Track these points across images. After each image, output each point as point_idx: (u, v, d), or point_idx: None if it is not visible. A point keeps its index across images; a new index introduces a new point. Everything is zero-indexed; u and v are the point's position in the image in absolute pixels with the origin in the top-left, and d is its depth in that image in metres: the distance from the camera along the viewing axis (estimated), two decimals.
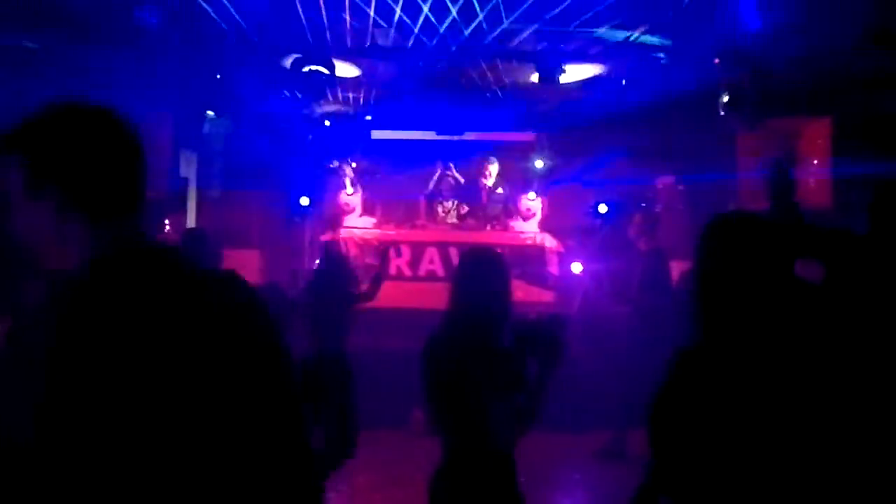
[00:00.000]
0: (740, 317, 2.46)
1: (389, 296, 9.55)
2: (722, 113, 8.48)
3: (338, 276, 6.68)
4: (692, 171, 10.19)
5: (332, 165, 11.72)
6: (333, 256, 7.03)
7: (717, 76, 8.22)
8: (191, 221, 10.79)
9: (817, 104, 9.04)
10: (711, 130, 9.63)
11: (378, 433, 7.39)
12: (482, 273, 3.53)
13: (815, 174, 8.34)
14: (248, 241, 10.42)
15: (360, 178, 11.10)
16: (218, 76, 8.34)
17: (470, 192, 10.98)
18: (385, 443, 7.24)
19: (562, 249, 10.06)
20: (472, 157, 11.29)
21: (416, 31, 7.19)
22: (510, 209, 10.79)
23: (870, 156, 7.83)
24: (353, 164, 11.69)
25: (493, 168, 10.88)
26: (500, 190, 10.89)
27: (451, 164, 11.21)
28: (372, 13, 6.70)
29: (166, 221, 9.56)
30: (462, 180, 11.17)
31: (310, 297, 6.47)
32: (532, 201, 10.53)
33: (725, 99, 7.97)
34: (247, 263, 10.13)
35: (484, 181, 10.89)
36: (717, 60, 7.64)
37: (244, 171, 11.00)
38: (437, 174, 11.18)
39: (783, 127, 8.81)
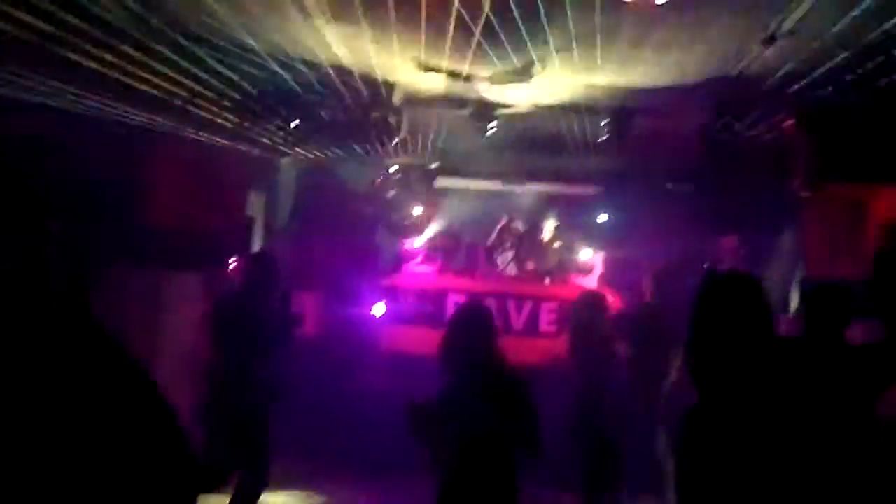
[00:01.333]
0: (730, 371, 2.64)
1: None
2: (789, 175, 8.39)
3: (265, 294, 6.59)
4: (757, 233, 10.04)
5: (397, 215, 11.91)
6: (264, 269, 6.75)
7: (787, 138, 8.15)
8: None
9: (888, 172, 8.87)
10: (779, 192, 9.51)
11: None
12: (467, 326, 4.16)
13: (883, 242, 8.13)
14: (310, 283, 10.55)
15: (424, 228, 11.21)
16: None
17: (529, 245, 11.01)
18: None
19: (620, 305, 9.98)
20: (534, 208, 11.36)
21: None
22: (568, 263, 10.77)
23: None
24: (418, 212, 11.83)
25: (550, 223, 10.94)
26: (556, 244, 10.91)
27: (515, 216, 11.26)
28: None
29: (232, 259, 9.74)
30: (523, 231, 11.20)
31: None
32: (592, 256, 10.51)
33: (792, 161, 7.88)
34: (307, 305, 10.25)
35: (541, 236, 10.95)
36: (790, 121, 7.57)
37: (312, 213, 11.21)
38: (499, 225, 11.24)
39: (851, 193, 8.64)
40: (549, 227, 10.98)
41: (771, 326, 2.74)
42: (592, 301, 7.00)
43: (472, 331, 4.07)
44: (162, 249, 7.61)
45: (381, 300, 10.14)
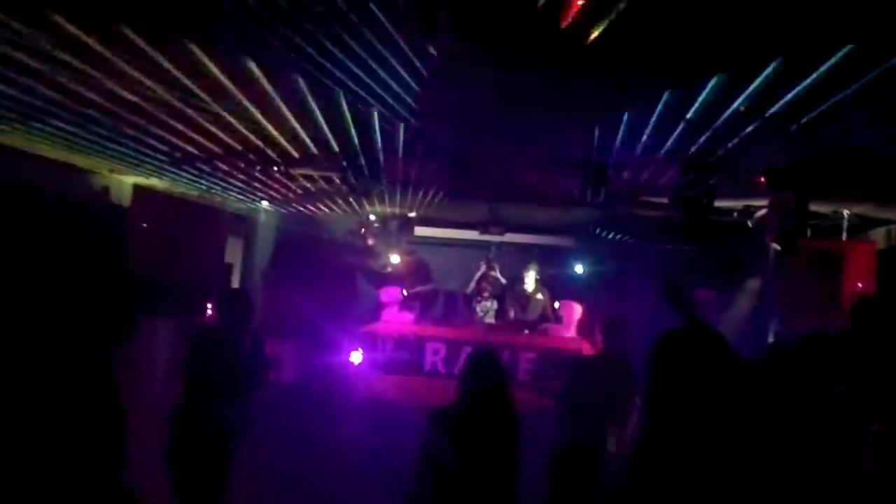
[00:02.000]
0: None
1: (424, 392, 9.58)
2: (759, 230, 8.55)
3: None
4: (731, 287, 10.20)
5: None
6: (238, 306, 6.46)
7: (759, 195, 8.31)
8: None
9: (862, 228, 9.09)
10: (751, 246, 9.69)
11: None
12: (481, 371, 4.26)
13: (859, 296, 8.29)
14: (287, 331, 10.52)
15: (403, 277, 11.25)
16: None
17: (513, 296, 11.08)
18: None
19: None
20: (513, 258, 11.45)
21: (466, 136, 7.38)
22: (548, 314, 10.85)
23: None
24: (396, 260, 11.89)
25: (532, 274, 11.02)
26: (539, 296, 10.98)
27: (495, 265, 11.34)
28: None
29: (209, 305, 9.73)
30: (504, 281, 11.27)
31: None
32: (570, 307, 10.60)
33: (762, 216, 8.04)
34: (284, 352, 10.20)
35: (523, 287, 11.01)
36: (762, 179, 7.72)
37: (290, 260, 11.23)
38: (479, 273, 11.30)
39: (826, 247, 8.82)
40: (530, 278, 11.06)
41: (735, 375, 2.87)
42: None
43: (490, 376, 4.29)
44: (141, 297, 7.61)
45: (358, 347, 10.13)
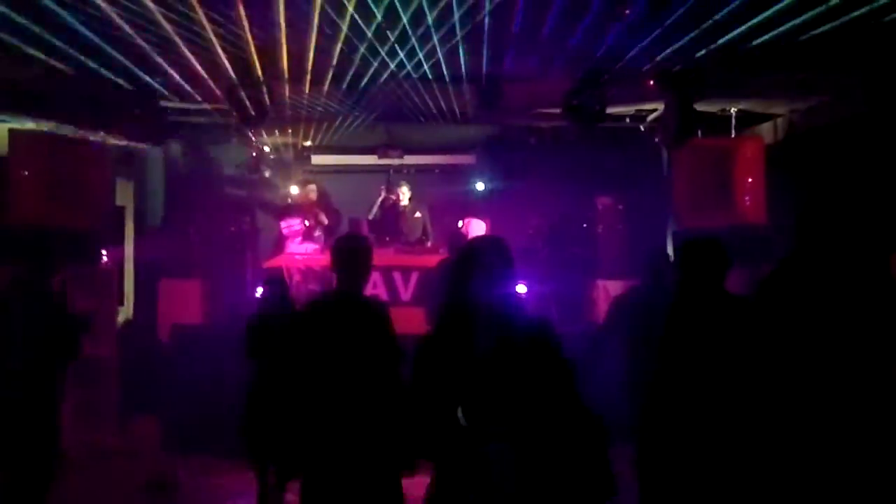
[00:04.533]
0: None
1: None
2: (651, 133, 8.70)
3: (281, 303, 6.58)
4: (630, 191, 10.39)
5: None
6: (275, 283, 6.91)
7: (650, 98, 8.42)
8: (128, 252, 10.61)
9: (748, 124, 9.32)
10: (645, 150, 9.86)
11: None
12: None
13: (749, 192, 8.54)
14: (189, 272, 10.28)
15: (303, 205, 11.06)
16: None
17: (392, 216, 11.02)
18: None
19: None
20: (409, 179, 11.38)
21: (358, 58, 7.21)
22: (427, 231, 10.88)
23: (800, 173, 8.09)
24: (296, 191, 11.67)
25: (405, 190, 10.97)
26: (417, 214, 10.96)
27: (393, 188, 11.24)
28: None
29: (104, 252, 9.40)
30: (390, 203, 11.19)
31: (255, 325, 6.37)
32: (473, 225, 10.61)
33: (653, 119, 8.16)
34: (188, 294, 9.99)
35: (400, 205, 10.97)
36: (651, 83, 7.81)
37: (185, 199, 10.88)
38: (379, 199, 11.20)
39: (715, 145, 9.03)
40: (404, 195, 11.00)
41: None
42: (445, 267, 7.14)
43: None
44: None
45: (263, 283, 9.96)
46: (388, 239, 10.82)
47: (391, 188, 11.23)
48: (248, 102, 7.95)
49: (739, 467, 3.77)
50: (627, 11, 5.83)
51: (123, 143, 9.13)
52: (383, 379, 3.88)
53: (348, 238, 4.50)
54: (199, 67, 7.19)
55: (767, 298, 3.72)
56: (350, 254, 4.17)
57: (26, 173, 8.10)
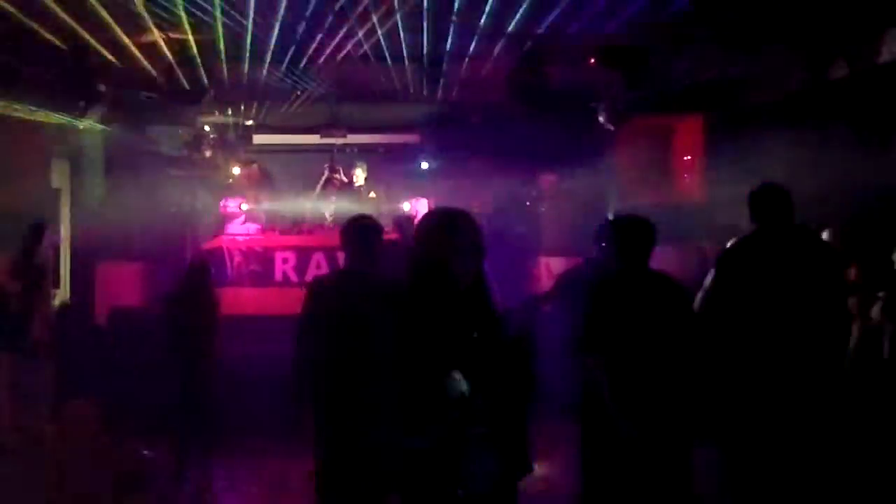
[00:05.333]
0: None
1: (276, 302, 9.45)
2: (596, 110, 8.74)
3: (201, 287, 6.53)
4: (574, 169, 10.43)
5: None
6: (197, 267, 6.84)
7: (592, 75, 8.45)
8: (65, 235, 10.35)
9: (690, 101, 9.41)
10: (589, 128, 9.90)
11: (267, 441, 7.34)
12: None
13: (688, 170, 8.66)
14: (129, 254, 10.09)
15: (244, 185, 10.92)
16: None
17: (347, 196, 10.93)
18: (275, 449, 7.09)
19: None
20: (354, 159, 11.27)
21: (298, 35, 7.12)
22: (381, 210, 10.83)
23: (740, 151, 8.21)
24: (237, 171, 11.52)
25: (360, 171, 10.90)
26: (372, 194, 10.88)
27: (339, 168, 11.14)
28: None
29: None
30: (348, 182, 11.10)
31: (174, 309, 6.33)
32: (418, 204, 10.62)
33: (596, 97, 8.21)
34: (127, 277, 9.81)
35: (356, 185, 10.89)
36: (591, 60, 7.84)
37: (124, 179, 10.63)
38: (323, 178, 11.09)
39: (657, 123, 9.11)
40: (359, 175, 10.92)
41: None
42: None
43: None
44: None
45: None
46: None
47: (334, 167, 11.13)
48: (185, 81, 7.82)
49: (677, 443, 3.89)
50: None
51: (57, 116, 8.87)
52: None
53: (361, 217, 4.49)
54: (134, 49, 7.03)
55: (729, 264, 4.28)
56: (363, 231, 4.22)
57: None
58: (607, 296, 4.04)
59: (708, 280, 4.89)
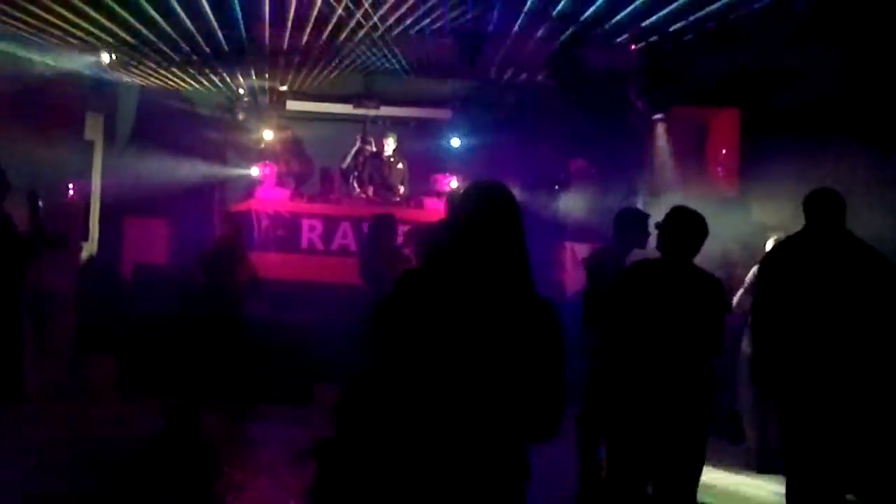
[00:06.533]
0: None
1: (301, 269, 9.49)
2: (633, 99, 8.65)
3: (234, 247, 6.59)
4: (605, 156, 10.36)
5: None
6: (231, 229, 6.89)
7: (632, 63, 8.36)
8: (95, 186, 10.42)
9: (726, 95, 9.29)
10: (624, 116, 9.81)
11: (283, 409, 7.40)
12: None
13: (723, 163, 8.57)
14: (155, 210, 10.15)
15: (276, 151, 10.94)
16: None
17: (373, 166, 10.96)
18: (290, 418, 7.14)
19: None
20: (387, 131, 11.26)
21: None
22: (406, 182, 10.85)
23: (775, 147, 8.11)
24: (269, 136, 11.52)
25: (391, 141, 10.90)
26: (400, 165, 10.91)
27: (368, 139, 11.14)
28: None
29: (70, 185, 9.23)
30: (377, 152, 11.10)
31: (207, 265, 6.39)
32: (447, 179, 10.60)
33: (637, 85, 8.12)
34: (154, 233, 9.88)
35: (384, 155, 10.91)
36: (633, 47, 7.76)
37: (156, 136, 10.67)
38: (354, 148, 11.10)
39: (693, 115, 9.02)
40: (389, 145, 10.93)
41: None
42: (381, 222, 7.20)
43: None
44: None
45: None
46: (362, 189, 10.79)
47: (366, 138, 11.12)
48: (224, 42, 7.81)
49: (699, 434, 3.90)
50: None
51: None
52: None
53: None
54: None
55: (776, 261, 4.38)
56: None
57: None
58: (649, 282, 4.04)
59: (749, 277, 4.87)
